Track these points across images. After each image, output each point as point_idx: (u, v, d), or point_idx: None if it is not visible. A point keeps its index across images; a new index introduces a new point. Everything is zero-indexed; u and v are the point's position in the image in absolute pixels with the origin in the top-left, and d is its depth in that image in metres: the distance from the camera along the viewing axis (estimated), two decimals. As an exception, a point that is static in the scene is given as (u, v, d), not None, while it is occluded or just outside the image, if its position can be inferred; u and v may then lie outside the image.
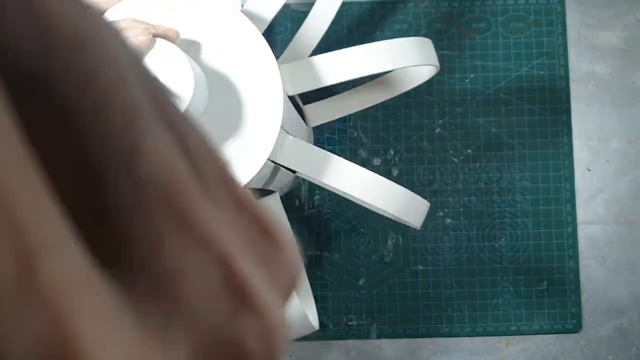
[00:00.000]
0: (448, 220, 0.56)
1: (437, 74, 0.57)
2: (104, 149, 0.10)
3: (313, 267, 0.56)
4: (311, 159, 0.38)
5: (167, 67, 0.32)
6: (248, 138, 0.36)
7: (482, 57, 0.56)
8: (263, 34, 0.38)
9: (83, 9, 0.11)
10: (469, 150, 0.56)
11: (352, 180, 0.38)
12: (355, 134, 0.56)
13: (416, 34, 0.56)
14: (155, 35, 0.33)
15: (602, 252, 0.56)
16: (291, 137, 0.39)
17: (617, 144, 0.57)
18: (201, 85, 0.34)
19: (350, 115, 0.56)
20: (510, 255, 0.56)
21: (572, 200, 0.56)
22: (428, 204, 0.41)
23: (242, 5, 0.40)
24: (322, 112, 0.53)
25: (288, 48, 0.50)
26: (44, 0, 0.10)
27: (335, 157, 0.38)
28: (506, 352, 0.56)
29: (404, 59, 0.38)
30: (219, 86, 0.36)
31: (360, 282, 0.56)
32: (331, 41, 0.56)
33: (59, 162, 0.10)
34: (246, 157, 0.36)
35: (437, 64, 0.41)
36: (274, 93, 0.36)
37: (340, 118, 0.56)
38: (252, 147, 0.36)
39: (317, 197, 0.56)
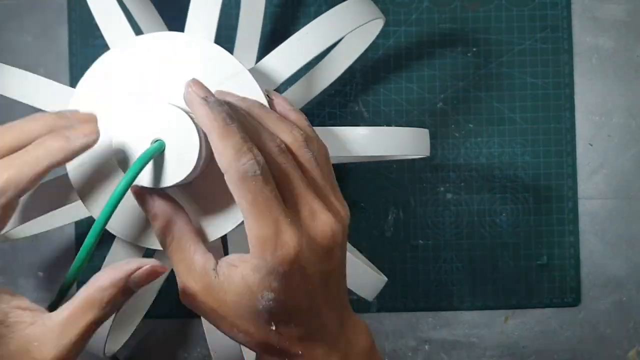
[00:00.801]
0: (449, 195, 0.56)
1: (439, 47, 0.56)
2: None
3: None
4: None
5: (175, 132, 0.32)
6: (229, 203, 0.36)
7: (485, 30, 0.56)
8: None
9: None
10: (471, 125, 0.56)
11: None
12: (356, 109, 0.56)
13: (418, 6, 0.56)
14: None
15: (602, 227, 0.56)
16: None
17: (620, 119, 0.56)
18: (205, 147, 0.33)
19: (351, 89, 0.56)
20: (510, 230, 0.56)
21: (573, 175, 0.56)
22: (385, 279, 0.44)
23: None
24: None
25: (297, 84, 0.52)
26: None
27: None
28: (505, 325, 0.57)
29: (400, 149, 0.40)
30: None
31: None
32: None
33: None
34: (224, 218, 0.36)
35: (429, 153, 0.43)
36: None
37: (342, 90, 0.55)
38: (232, 212, 0.36)
39: (317, 171, 0.56)
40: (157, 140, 0.32)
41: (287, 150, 0.33)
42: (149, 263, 0.31)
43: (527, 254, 0.56)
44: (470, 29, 0.56)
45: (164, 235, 0.32)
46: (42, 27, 0.56)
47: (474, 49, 0.56)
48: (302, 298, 0.32)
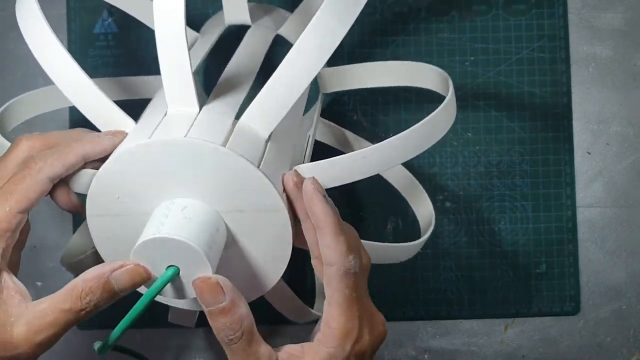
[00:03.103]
0: (447, 204, 0.56)
1: (437, 57, 0.56)
2: None
3: (313, 251, 0.56)
4: None
5: (186, 259, 0.31)
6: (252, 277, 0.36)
7: (483, 39, 0.56)
8: None
9: None
10: (469, 134, 0.56)
11: None
12: (355, 118, 0.56)
13: (416, 16, 0.56)
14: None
15: (601, 235, 0.56)
16: None
17: (618, 127, 0.57)
18: (218, 249, 0.33)
19: (349, 99, 0.56)
20: (509, 238, 0.56)
21: (571, 184, 0.56)
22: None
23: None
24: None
25: None
26: None
27: None
28: (505, 334, 0.57)
29: (416, 151, 0.39)
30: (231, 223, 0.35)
31: (360, 266, 0.56)
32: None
33: None
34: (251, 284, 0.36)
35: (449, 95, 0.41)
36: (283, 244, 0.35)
37: (342, 94, 0.56)
38: (255, 284, 0.36)
39: (316, 180, 0.56)
40: (170, 266, 0.32)
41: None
42: (132, 263, 0.31)
43: (526, 263, 0.56)
44: (467, 39, 0.56)
45: (233, 330, 0.32)
46: (42, 38, 0.56)
47: (472, 58, 0.56)
48: None
